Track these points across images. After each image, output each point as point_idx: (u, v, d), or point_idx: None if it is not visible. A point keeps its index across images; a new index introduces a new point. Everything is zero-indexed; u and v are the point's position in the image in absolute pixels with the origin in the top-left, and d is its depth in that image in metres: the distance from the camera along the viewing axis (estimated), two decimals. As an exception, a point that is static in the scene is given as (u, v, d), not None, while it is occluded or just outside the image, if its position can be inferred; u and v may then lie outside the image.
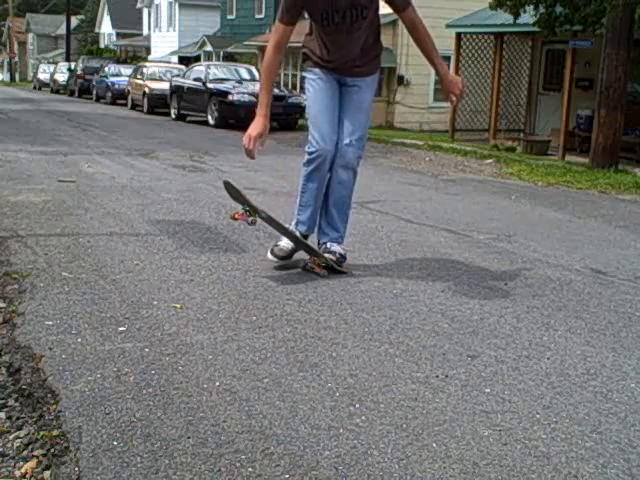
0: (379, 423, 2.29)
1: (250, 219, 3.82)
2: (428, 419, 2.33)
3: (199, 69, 18.39)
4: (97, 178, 7.29)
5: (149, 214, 5.47)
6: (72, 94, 30.50)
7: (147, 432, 2.17)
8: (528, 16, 11.74)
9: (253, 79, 17.43)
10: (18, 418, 2.27)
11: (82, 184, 6.79)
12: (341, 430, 2.23)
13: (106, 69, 26.73)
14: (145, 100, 20.68)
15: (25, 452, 2.08)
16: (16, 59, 55.24)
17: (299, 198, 4.05)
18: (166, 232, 4.86)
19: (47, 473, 1.97)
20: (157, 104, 19.91)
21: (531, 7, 11.54)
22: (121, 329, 3.00)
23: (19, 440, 2.14)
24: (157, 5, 37.02)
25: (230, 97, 15.78)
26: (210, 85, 16.65)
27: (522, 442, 2.21)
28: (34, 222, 4.94)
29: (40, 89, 38.25)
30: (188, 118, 17.90)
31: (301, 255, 4.11)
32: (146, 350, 2.79)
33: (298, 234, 4.01)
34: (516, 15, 11.67)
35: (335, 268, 3.97)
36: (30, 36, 58.79)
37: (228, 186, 3.85)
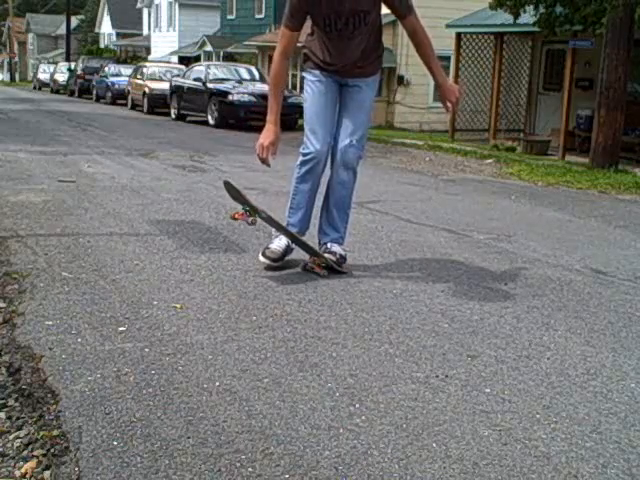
0: (379, 423, 2.29)
1: (250, 219, 3.82)
2: (428, 419, 2.33)
3: (199, 69, 18.39)
4: (97, 178, 7.29)
5: (149, 214, 5.47)
6: (72, 94, 30.50)
7: (147, 432, 2.17)
8: (528, 16, 11.74)
9: (253, 79, 17.46)
10: (18, 418, 2.27)
11: (82, 184, 6.79)
12: (341, 430, 2.23)
13: (106, 69, 26.73)
14: (145, 100, 20.68)
15: (25, 452, 2.08)
16: (16, 59, 55.25)
17: (290, 200, 4.04)
18: (166, 232, 4.86)
19: (47, 473, 1.97)
20: (157, 104, 19.92)
21: (531, 7, 11.54)
22: (121, 329, 3.00)
23: (19, 440, 2.14)
24: (157, 5, 37.03)
25: (230, 97, 15.78)
26: (210, 85, 16.65)
27: (522, 442, 2.21)
28: (34, 222, 4.94)
29: (40, 89, 38.25)
30: (188, 118, 17.90)
31: (300, 256, 4.11)
32: (146, 350, 2.79)
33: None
34: (516, 15, 11.67)
35: (335, 268, 3.97)
36: (30, 36, 58.80)
37: (228, 186, 3.85)
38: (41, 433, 2.15)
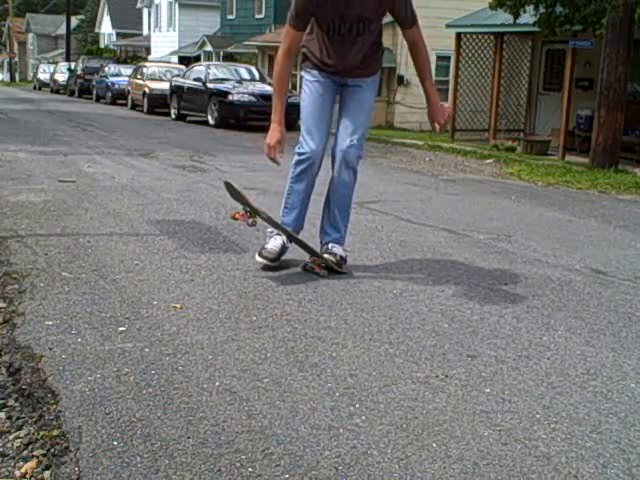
0: (379, 423, 2.29)
1: (250, 220, 3.83)
2: (428, 419, 2.33)
3: (199, 69, 18.38)
4: (97, 178, 7.29)
5: (149, 214, 5.47)
6: (72, 94, 30.50)
7: (147, 432, 2.17)
8: (528, 16, 11.74)
9: (253, 79, 17.46)
10: (18, 418, 2.27)
11: (82, 184, 6.79)
12: (341, 430, 2.23)
13: (106, 69, 26.73)
14: (145, 100, 20.68)
15: (25, 452, 2.08)
16: (16, 59, 55.25)
17: (284, 200, 4.04)
18: (166, 232, 4.86)
19: (47, 473, 1.97)
20: (157, 104, 19.91)
21: (531, 7, 11.54)
22: (121, 329, 3.00)
23: (19, 440, 2.14)
24: (157, 5, 37.03)
25: (230, 97, 15.79)
26: (210, 85, 16.66)
27: (522, 442, 2.21)
28: (34, 222, 4.94)
29: (40, 89, 38.25)
30: (188, 118, 17.90)
31: (300, 256, 4.11)
32: (146, 350, 2.79)
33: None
34: (516, 15, 11.67)
35: (335, 269, 3.97)
36: (30, 36, 58.79)
37: (229, 187, 3.86)
38: (41, 433, 2.15)
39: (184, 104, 17.82)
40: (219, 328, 3.07)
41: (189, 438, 2.14)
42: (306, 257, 4.07)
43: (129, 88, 22.54)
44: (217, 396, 2.42)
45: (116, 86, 24.56)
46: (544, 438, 2.24)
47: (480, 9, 14.63)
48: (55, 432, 2.15)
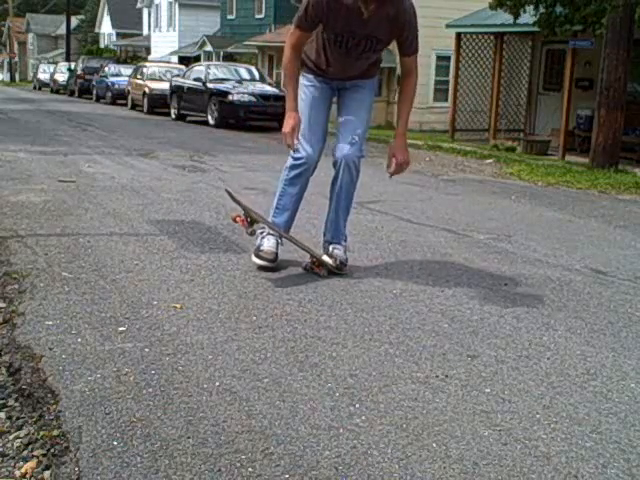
0: (379, 423, 2.29)
1: (249, 230, 3.84)
2: (428, 419, 2.33)
3: (199, 69, 18.38)
4: (97, 178, 7.29)
5: (149, 214, 5.47)
6: (72, 94, 30.49)
7: (147, 432, 2.17)
8: (528, 16, 11.74)
9: (253, 79, 17.45)
10: (18, 418, 2.27)
11: (82, 184, 6.79)
12: (341, 430, 2.23)
13: (106, 69, 26.72)
14: (145, 100, 20.68)
15: (25, 452, 2.08)
16: (16, 59, 55.24)
17: (276, 200, 4.04)
18: (166, 232, 4.86)
19: (47, 473, 1.97)
20: (157, 104, 19.91)
21: (531, 7, 11.54)
22: (121, 329, 3.00)
23: (19, 440, 2.14)
24: (157, 5, 37.02)
25: (230, 97, 15.78)
26: (210, 85, 16.65)
27: (522, 442, 2.21)
28: (34, 222, 4.94)
29: (40, 89, 38.24)
30: (188, 118, 17.90)
31: (300, 256, 4.11)
32: (146, 350, 2.79)
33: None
34: (516, 15, 11.67)
35: (334, 272, 3.97)
36: (30, 36, 58.77)
37: (230, 195, 3.86)
38: (41, 433, 2.15)
39: (184, 104, 17.81)
40: (219, 328, 3.07)
41: (189, 438, 2.14)
42: (306, 257, 4.07)
43: (129, 88, 22.54)
44: (217, 396, 2.42)
45: (116, 86, 24.55)
46: (544, 438, 2.24)
47: (480, 9, 14.63)
48: (55, 432, 2.15)
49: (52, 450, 2.06)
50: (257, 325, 3.13)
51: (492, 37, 15.21)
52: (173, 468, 1.99)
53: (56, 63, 39.77)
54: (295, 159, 3.90)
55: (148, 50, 38.03)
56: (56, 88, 34.29)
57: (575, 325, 3.35)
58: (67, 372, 2.55)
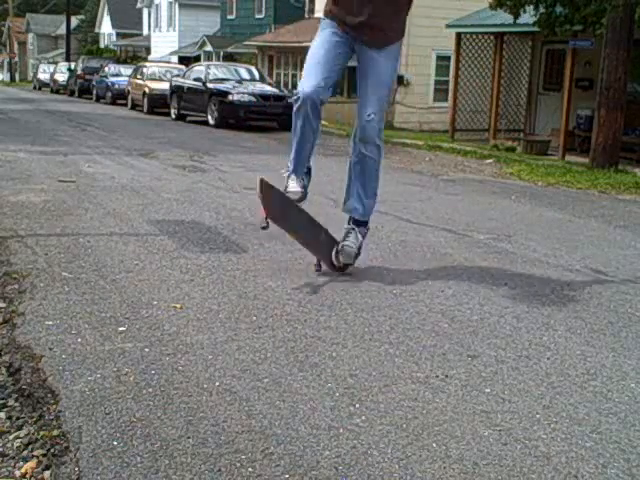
0: (379, 423, 2.29)
1: (266, 221, 3.82)
2: (428, 419, 2.33)
3: (199, 69, 18.37)
4: (97, 178, 7.29)
5: (149, 214, 5.47)
6: (72, 94, 30.48)
7: (147, 432, 2.17)
8: (528, 16, 11.73)
9: (253, 79, 17.44)
10: (18, 418, 2.27)
11: (82, 184, 6.79)
12: (341, 430, 2.23)
13: (106, 69, 26.72)
14: (145, 100, 20.67)
15: (25, 452, 2.08)
16: (16, 59, 55.22)
17: (292, 142, 4.09)
18: (166, 232, 4.86)
19: (47, 473, 1.97)
20: (157, 104, 19.90)
21: (531, 7, 11.53)
22: (121, 329, 3.00)
23: (19, 440, 2.14)
24: (157, 5, 37.02)
25: (230, 97, 15.78)
26: (210, 85, 16.65)
27: (522, 442, 2.21)
28: (34, 222, 4.94)
29: (40, 89, 38.22)
30: (188, 118, 17.89)
31: (300, 257, 4.11)
32: (146, 350, 2.79)
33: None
34: (516, 15, 11.66)
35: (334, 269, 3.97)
36: (30, 36, 58.77)
37: (263, 185, 3.82)
38: (41, 433, 2.15)
39: (184, 104, 17.81)
40: (219, 328, 3.07)
41: (189, 438, 2.14)
42: (307, 256, 4.07)
43: (129, 88, 22.53)
44: (217, 396, 2.42)
45: (116, 86, 24.54)
46: (544, 438, 2.24)
47: (480, 9, 14.63)
48: (55, 432, 2.15)
49: (52, 450, 2.07)
50: (257, 325, 3.13)
51: (492, 37, 15.20)
52: (173, 468, 1.99)
53: (56, 63, 39.75)
54: (295, 94, 3.94)
55: (148, 50, 38.03)
56: (56, 88, 34.28)
57: (575, 325, 3.35)
58: (67, 372, 2.55)
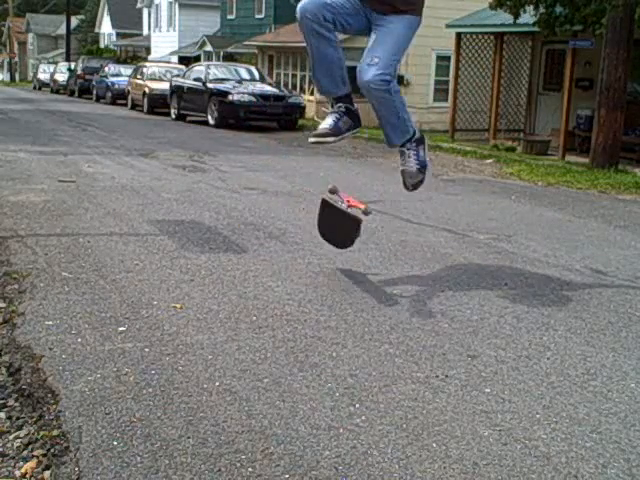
0: (379, 423, 2.29)
1: (363, 207, 3.87)
2: (428, 419, 2.33)
3: (199, 69, 18.38)
4: (97, 178, 7.29)
5: (149, 214, 5.47)
6: (72, 94, 30.48)
7: (147, 432, 2.17)
8: (528, 16, 11.74)
9: (253, 79, 17.44)
10: (18, 418, 2.27)
11: (82, 184, 6.79)
12: (341, 430, 2.23)
13: (106, 69, 26.72)
14: (145, 100, 20.67)
15: (25, 452, 2.08)
16: (16, 59, 55.22)
17: None
18: (166, 232, 4.86)
19: (47, 473, 1.97)
20: (157, 104, 19.90)
21: (531, 7, 11.53)
22: (121, 329, 3.00)
23: (19, 440, 2.14)
24: (157, 5, 37.02)
25: (230, 97, 15.78)
26: (210, 85, 16.65)
27: (522, 442, 2.21)
28: (34, 222, 4.94)
29: (40, 89, 38.22)
30: (188, 118, 17.89)
31: (301, 256, 4.10)
32: (146, 350, 2.79)
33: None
34: (516, 15, 11.66)
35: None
36: (30, 36, 58.76)
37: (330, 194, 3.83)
38: (41, 433, 2.15)
39: (184, 104, 17.81)
40: (219, 328, 3.07)
41: (189, 438, 2.14)
42: (307, 256, 4.07)
43: (129, 88, 22.53)
44: (217, 396, 2.42)
45: (116, 86, 24.54)
46: (544, 438, 2.24)
47: (480, 9, 14.63)
48: (55, 432, 2.15)
49: (52, 450, 2.07)
50: (257, 325, 3.13)
51: (492, 37, 15.20)
52: (173, 468, 1.99)
53: (56, 63, 39.75)
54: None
55: (148, 50, 38.03)
56: (56, 88, 34.28)
57: (575, 325, 3.35)
58: (67, 372, 2.55)
